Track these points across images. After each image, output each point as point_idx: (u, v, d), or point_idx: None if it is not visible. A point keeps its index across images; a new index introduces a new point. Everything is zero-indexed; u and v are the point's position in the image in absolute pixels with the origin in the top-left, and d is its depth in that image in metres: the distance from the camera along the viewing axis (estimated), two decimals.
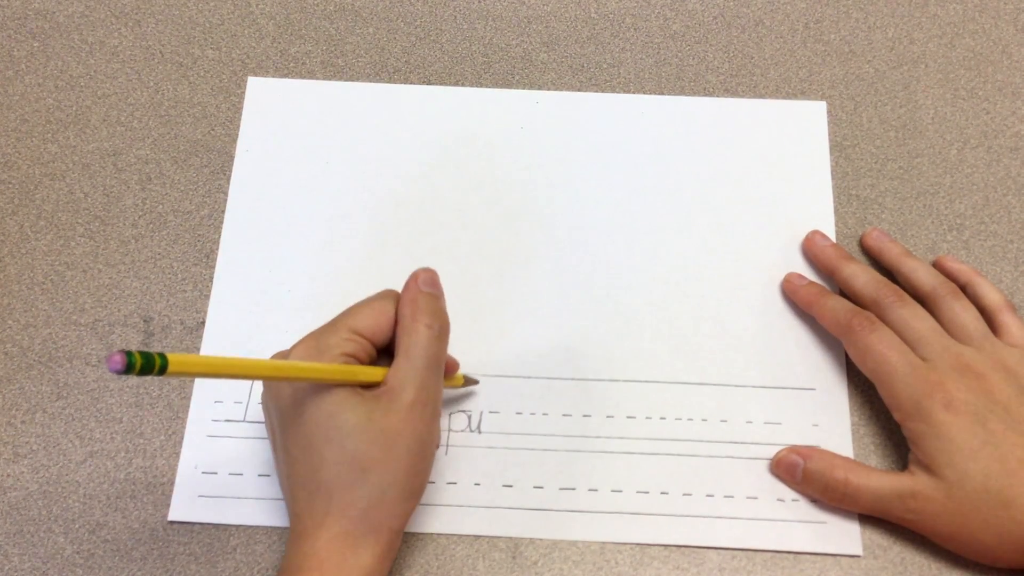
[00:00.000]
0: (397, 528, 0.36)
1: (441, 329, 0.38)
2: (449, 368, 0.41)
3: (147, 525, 0.42)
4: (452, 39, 0.54)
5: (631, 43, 0.54)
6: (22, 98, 0.52)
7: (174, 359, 0.27)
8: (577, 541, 0.42)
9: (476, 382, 0.44)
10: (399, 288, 0.39)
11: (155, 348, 0.46)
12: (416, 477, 0.37)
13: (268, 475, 0.43)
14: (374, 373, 0.37)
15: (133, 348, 0.46)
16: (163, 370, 0.27)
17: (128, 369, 0.26)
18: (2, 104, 0.52)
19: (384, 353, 0.39)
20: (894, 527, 0.41)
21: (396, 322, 0.38)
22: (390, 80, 0.52)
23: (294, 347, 0.37)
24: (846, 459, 0.42)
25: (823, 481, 0.41)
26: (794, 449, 0.43)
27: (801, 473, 0.42)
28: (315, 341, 0.37)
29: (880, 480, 0.40)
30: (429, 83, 0.52)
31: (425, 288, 0.38)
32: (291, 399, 0.36)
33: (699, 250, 0.48)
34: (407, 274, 0.47)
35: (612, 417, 0.44)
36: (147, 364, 0.26)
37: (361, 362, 0.37)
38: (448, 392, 0.44)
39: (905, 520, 0.40)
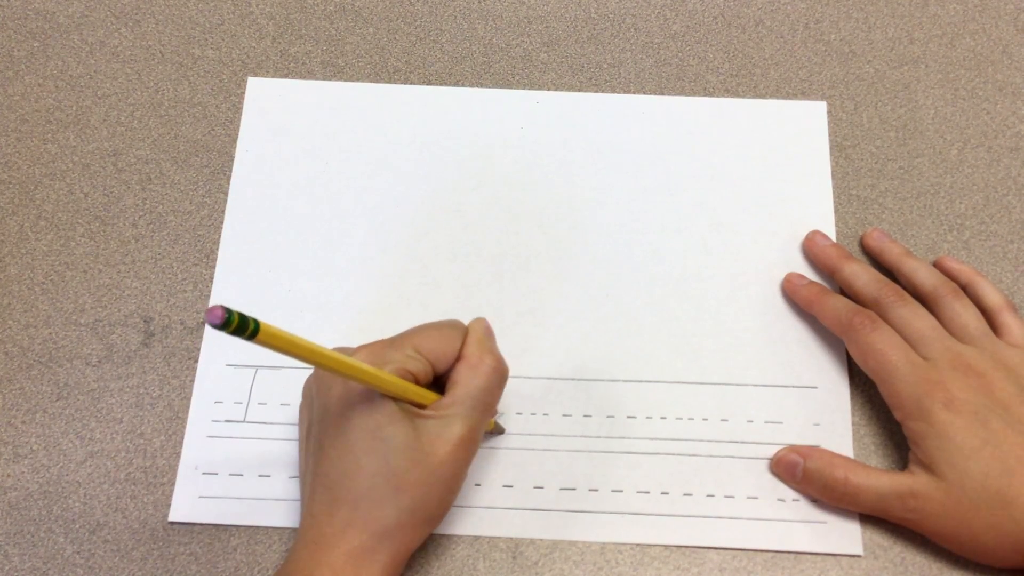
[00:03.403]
0: (411, 549, 0.36)
1: (503, 376, 0.38)
2: None
3: (147, 525, 0.42)
4: (452, 39, 0.54)
5: (631, 43, 0.54)
6: (22, 98, 0.52)
7: (265, 328, 0.28)
8: (577, 541, 0.42)
9: (503, 430, 0.44)
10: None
11: (155, 348, 0.46)
12: (442, 506, 0.37)
13: (268, 476, 0.43)
14: (425, 396, 0.37)
15: (135, 344, 0.46)
16: (253, 335, 0.28)
17: (224, 325, 0.27)
18: (2, 104, 0.52)
19: (435, 381, 0.39)
20: (894, 527, 0.41)
21: (460, 356, 0.38)
22: (390, 80, 0.52)
23: (357, 349, 0.37)
24: (846, 458, 0.42)
25: (823, 480, 0.41)
26: (794, 448, 0.43)
27: (801, 472, 0.42)
28: (379, 350, 0.37)
29: (880, 479, 0.40)
30: (429, 83, 0.52)
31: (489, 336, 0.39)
32: (340, 399, 0.36)
33: (699, 250, 0.48)
34: (407, 274, 0.47)
35: (612, 417, 0.44)
36: (242, 325, 0.27)
37: (417, 382, 0.37)
38: None
39: (905, 520, 0.40)
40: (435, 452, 0.35)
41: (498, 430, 0.44)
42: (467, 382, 0.37)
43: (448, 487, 0.36)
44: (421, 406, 0.37)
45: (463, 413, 0.36)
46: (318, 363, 0.32)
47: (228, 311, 0.26)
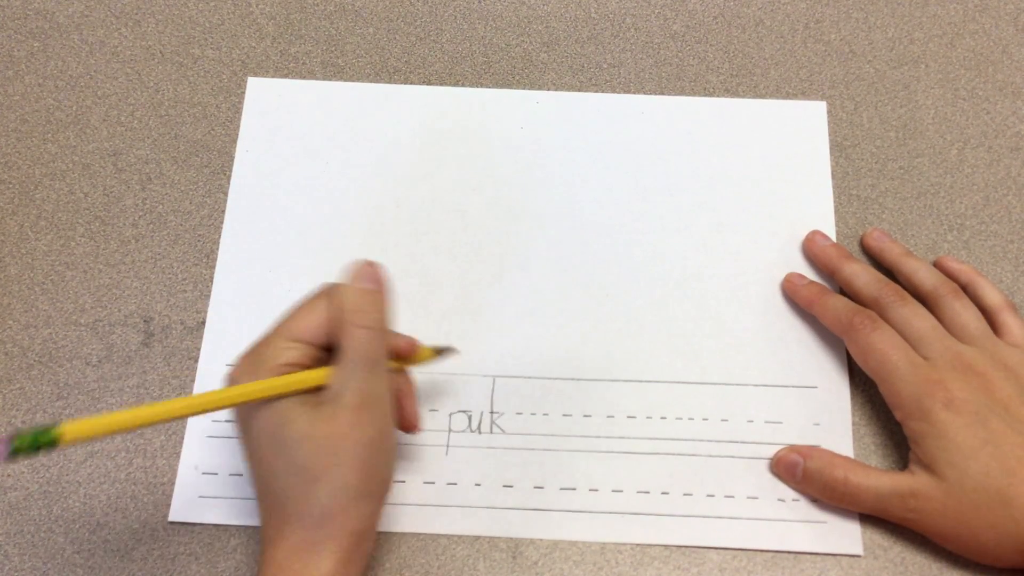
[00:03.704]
0: (360, 530, 0.35)
1: (377, 326, 0.37)
2: (407, 349, 0.40)
3: (147, 525, 0.42)
4: (452, 39, 0.54)
5: (631, 43, 0.54)
6: (22, 98, 0.52)
7: (70, 429, 0.28)
8: (577, 541, 0.42)
9: (454, 350, 0.43)
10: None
11: (155, 348, 0.46)
12: (371, 479, 0.36)
13: None
14: (316, 377, 0.36)
15: (135, 344, 0.46)
16: (54, 444, 0.27)
17: (18, 451, 0.26)
18: (2, 104, 0.52)
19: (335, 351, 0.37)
20: (894, 527, 0.41)
21: (340, 323, 0.36)
22: (390, 80, 0.52)
23: (236, 365, 0.37)
24: (846, 458, 0.42)
25: (823, 480, 0.41)
26: (794, 448, 0.43)
27: (801, 472, 0.42)
28: (253, 356, 0.36)
29: (880, 479, 0.40)
30: (429, 83, 0.52)
31: (360, 283, 0.37)
32: (245, 412, 0.36)
33: (699, 250, 0.48)
34: (407, 274, 0.47)
35: (612, 417, 0.44)
36: (39, 440, 0.27)
37: (305, 367, 0.36)
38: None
39: (905, 519, 0.40)
40: (334, 432, 0.35)
41: (446, 351, 0.42)
42: (344, 349, 0.36)
43: (365, 460, 0.35)
44: (323, 387, 0.36)
45: (348, 383, 0.35)
46: (176, 418, 0.32)
47: (17, 436, 0.25)
